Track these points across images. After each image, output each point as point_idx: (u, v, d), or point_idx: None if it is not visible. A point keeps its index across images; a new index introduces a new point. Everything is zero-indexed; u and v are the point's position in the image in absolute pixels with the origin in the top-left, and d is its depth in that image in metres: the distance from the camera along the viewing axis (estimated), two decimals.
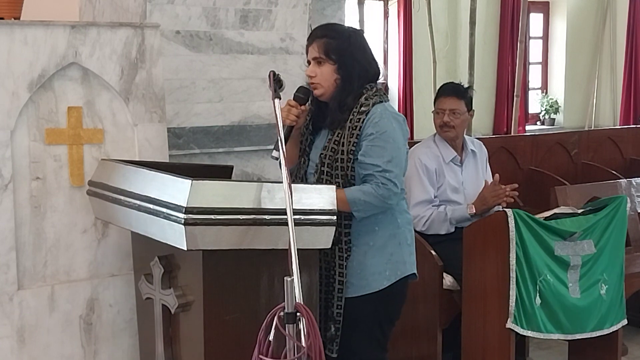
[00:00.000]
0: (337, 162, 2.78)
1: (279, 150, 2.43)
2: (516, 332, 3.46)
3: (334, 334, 2.82)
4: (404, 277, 2.88)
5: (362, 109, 2.78)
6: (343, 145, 2.77)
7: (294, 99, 2.81)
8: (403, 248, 2.87)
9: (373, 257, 2.81)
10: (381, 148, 2.73)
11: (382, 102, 2.82)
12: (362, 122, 2.76)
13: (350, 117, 2.79)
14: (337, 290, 2.80)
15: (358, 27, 2.96)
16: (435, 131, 4.03)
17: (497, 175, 3.84)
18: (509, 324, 3.42)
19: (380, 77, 2.93)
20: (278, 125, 2.45)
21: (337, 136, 2.80)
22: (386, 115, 2.78)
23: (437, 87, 4.29)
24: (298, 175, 2.92)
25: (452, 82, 4.20)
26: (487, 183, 3.88)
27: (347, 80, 2.80)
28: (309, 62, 2.87)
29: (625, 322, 3.82)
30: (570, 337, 3.66)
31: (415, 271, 2.93)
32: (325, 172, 2.80)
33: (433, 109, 4.04)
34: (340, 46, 2.80)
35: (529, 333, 3.50)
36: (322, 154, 2.82)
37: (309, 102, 2.89)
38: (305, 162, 2.91)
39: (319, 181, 2.80)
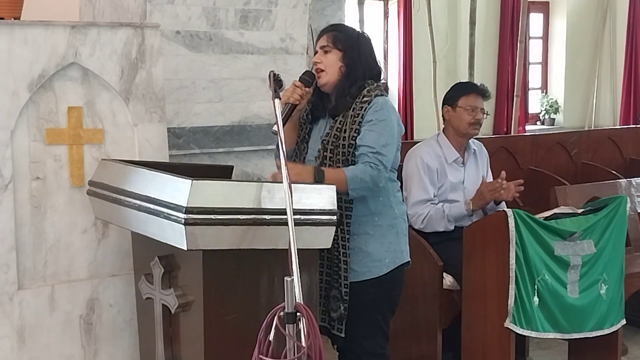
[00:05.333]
0: (339, 147, 2.88)
1: (279, 151, 2.43)
2: (516, 332, 3.46)
3: (343, 313, 2.90)
4: (401, 265, 3.01)
5: (365, 98, 2.89)
6: (345, 132, 2.87)
7: (299, 80, 2.90)
8: (400, 237, 3.00)
9: (373, 245, 2.93)
10: (378, 134, 2.84)
11: (383, 95, 2.93)
12: (364, 110, 2.87)
13: (353, 105, 2.90)
14: (342, 270, 2.89)
15: (361, 30, 3.07)
16: (437, 131, 4.02)
17: (503, 172, 3.85)
18: (507, 324, 3.42)
19: (382, 78, 3.05)
20: (278, 125, 2.46)
21: (340, 123, 2.90)
22: (387, 106, 2.90)
23: (437, 87, 4.29)
24: (296, 162, 3.00)
25: (475, 83, 4.23)
26: (485, 179, 3.91)
27: (351, 69, 2.91)
28: (316, 52, 2.98)
29: (623, 322, 3.82)
30: (567, 336, 3.66)
31: (410, 259, 3.07)
32: (327, 157, 2.89)
33: (451, 104, 3.94)
34: (348, 39, 2.94)
35: (527, 333, 3.50)
36: (324, 140, 2.92)
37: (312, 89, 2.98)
38: (305, 149, 3.01)
39: (321, 165, 2.88)
